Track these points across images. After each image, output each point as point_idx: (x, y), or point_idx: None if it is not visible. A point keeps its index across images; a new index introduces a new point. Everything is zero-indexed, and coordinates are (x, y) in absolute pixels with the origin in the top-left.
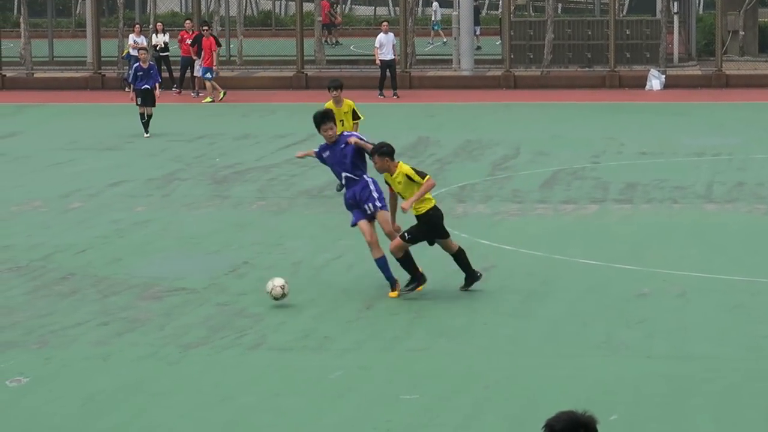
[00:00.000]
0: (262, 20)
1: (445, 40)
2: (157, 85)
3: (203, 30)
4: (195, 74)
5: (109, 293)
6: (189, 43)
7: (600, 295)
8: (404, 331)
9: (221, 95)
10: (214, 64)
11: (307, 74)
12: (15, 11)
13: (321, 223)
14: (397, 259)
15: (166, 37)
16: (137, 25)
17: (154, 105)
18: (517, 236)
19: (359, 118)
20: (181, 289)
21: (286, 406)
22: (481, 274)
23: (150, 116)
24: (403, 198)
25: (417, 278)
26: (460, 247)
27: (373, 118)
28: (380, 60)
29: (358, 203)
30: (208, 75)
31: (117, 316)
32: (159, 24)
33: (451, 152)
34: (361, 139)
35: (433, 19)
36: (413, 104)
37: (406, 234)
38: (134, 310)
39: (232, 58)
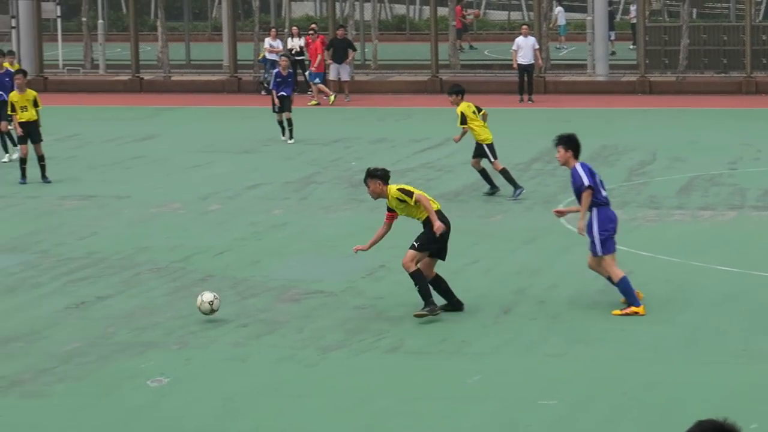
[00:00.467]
0: (397, 24)
1: (562, 45)
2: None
3: (310, 33)
4: (329, 78)
5: (248, 295)
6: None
7: (738, 303)
8: (542, 336)
9: (331, 98)
10: (319, 65)
11: (441, 78)
12: (152, 15)
13: (457, 227)
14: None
15: (302, 41)
16: (273, 29)
17: (290, 111)
18: (654, 242)
19: (464, 123)
20: (319, 292)
21: (423, 409)
22: (439, 311)
23: (290, 120)
24: (413, 217)
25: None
26: (418, 270)
27: (507, 124)
28: (518, 63)
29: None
30: (317, 80)
31: (255, 318)
32: (294, 28)
33: (586, 157)
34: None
35: (557, 23)
36: (548, 109)
37: (415, 243)
38: (272, 312)
39: (366, 62)
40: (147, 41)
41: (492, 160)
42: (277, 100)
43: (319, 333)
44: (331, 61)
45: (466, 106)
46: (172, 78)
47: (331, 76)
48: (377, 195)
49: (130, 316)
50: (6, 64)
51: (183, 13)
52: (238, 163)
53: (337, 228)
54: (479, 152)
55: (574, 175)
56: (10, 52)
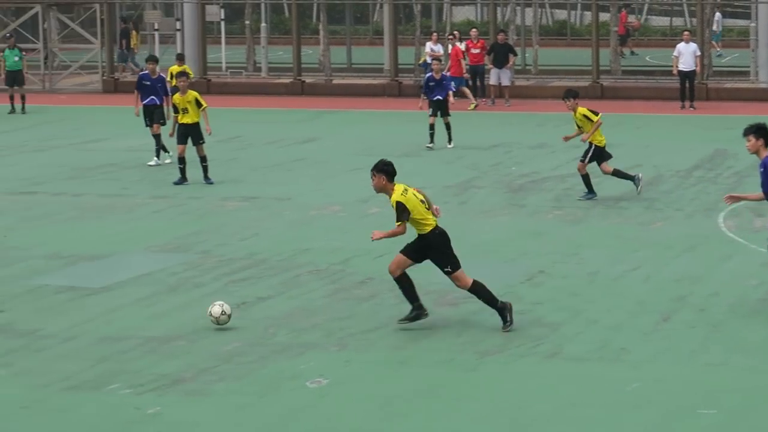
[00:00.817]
0: (557, 30)
1: (720, 51)
2: (450, 93)
3: (449, 38)
4: (490, 82)
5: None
6: (474, 52)
7: None
8: (701, 344)
9: (471, 106)
10: (464, 72)
11: (602, 84)
12: (314, 18)
13: (617, 233)
14: (394, 279)
15: (462, 46)
16: (434, 33)
17: (448, 115)
18: None
19: (594, 118)
20: None
21: (581, 416)
22: (509, 304)
23: (448, 125)
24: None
25: (415, 308)
26: (475, 281)
27: (669, 130)
28: (678, 70)
29: None
30: (452, 84)
31: (414, 321)
32: (455, 32)
33: (749, 165)
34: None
35: (714, 29)
36: (710, 116)
37: (449, 268)
38: (431, 315)
39: (527, 67)
40: (309, 44)
41: (583, 160)
42: (425, 104)
43: (477, 337)
44: (491, 66)
45: (584, 109)
46: (334, 81)
47: (492, 80)
48: (379, 190)
49: (289, 317)
50: (174, 68)
51: (345, 17)
52: (398, 167)
53: (496, 233)
54: (599, 156)
55: (766, 170)
56: (180, 56)
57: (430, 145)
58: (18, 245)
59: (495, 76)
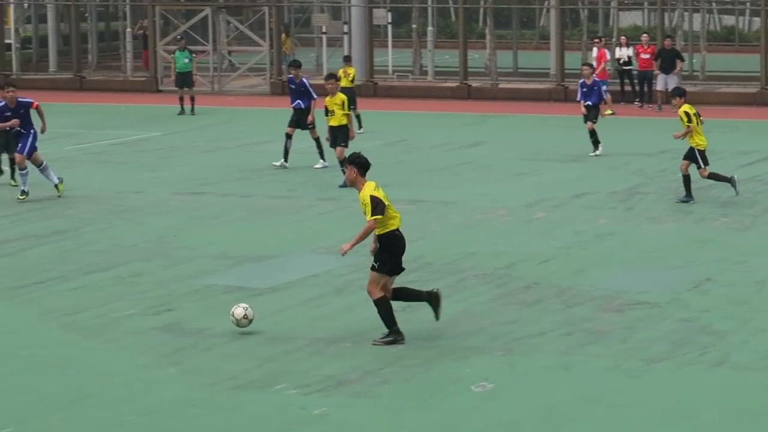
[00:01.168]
0: (725, 36)
1: None
2: (606, 98)
3: (594, 42)
4: (657, 88)
5: (572, 304)
6: (644, 57)
7: None
8: None
9: (607, 112)
10: (608, 76)
11: None
12: (480, 22)
13: None
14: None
15: (630, 51)
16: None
17: (593, 121)
18: None
19: (690, 122)
20: (643, 303)
21: (749, 426)
22: (400, 338)
23: (592, 131)
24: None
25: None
26: (381, 299)
27: None
28: None
29: None
30: (604, 88)
31: (580, 326)
32: (623, 37)
33: None
34: None
35: None
36: None
37: (375, 263)
38: (597, 321)
39: (694, 73)
40: (475, 48)
41: (701, 165)
42: (584, 110)
43: (643, 344)
44: (658, 72)
45: (688, 107)
46: (500, 85)
47: (659, 86)
48: (350, 183)
49: (454, 321)
50: (341, 71)
51: (511, 21)
52: (564, 172)
53: (663, 239)
54: (690, 156)
55: None
56: (346, 57)
57: (595, 153)
58: (187, 245)
59: (662, 82)
